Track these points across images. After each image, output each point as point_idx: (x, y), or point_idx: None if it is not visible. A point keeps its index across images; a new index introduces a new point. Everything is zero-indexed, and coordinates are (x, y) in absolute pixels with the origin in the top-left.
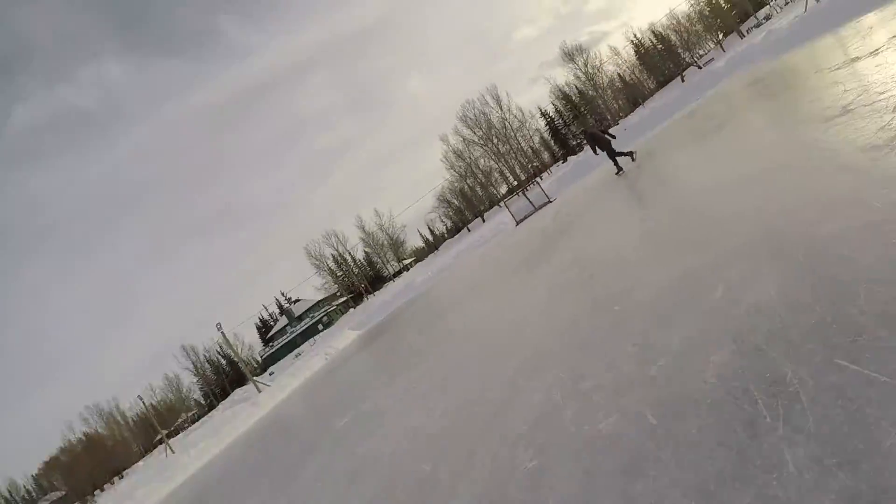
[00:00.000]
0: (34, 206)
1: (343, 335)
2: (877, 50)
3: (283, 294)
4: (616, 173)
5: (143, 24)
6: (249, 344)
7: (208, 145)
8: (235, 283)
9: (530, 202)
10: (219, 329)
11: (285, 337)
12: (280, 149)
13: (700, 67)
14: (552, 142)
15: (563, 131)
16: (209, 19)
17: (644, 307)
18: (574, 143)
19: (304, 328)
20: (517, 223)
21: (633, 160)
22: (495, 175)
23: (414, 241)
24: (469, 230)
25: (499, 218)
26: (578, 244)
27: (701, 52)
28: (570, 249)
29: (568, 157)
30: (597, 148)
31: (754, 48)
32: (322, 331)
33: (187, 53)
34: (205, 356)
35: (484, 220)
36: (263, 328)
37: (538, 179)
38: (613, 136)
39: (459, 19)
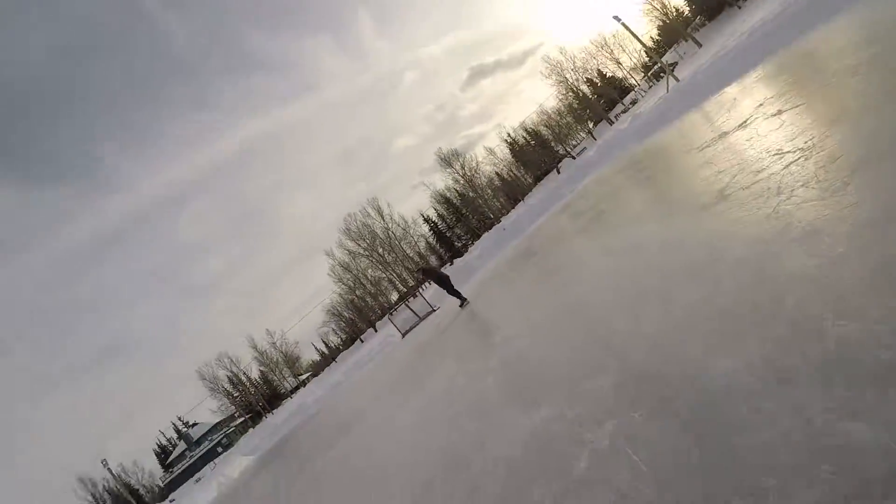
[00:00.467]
0: None
1: (237, 461)
2: (745, 122)
3: (179, 419)
4: (460, 305)
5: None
6: (150, 471)
7: (87, 280)
8: (131, 410)
9: (414, 313)
10: (104, 466)
11: (185, 462)
12: (164, 275)
13: (574, 158)
14: (438, 246)
15: (448, 234)
16: (88, 147)
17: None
18: (459, 244)
19: (203, 451)
20: (402, 335)
21: (461, 307)
22: (384, 284)
23: (310, 355)
24: (362, 341)
25: (387, 329)
26: (450, 371)
27: (573, 142)
28: (445, 378)
29: (454, 261)
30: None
31: (622, 134)
32: (221, 453)
33: (64, 182)
34: (104, 486)
35: (376, 330)
36: (162, 454)
37: (422, 289)
38: (447, 276)
39: (340, 134)
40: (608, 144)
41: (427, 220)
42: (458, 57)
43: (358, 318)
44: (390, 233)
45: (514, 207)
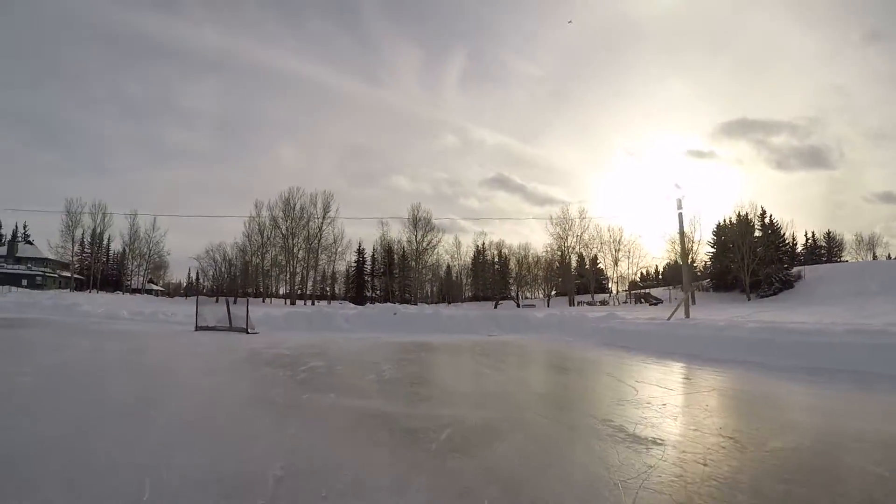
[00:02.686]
0: None
1: None
2: None
3: (24, 227)
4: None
5: None
6: None
7: None
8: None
9: (228, 314)
10: None
11: None
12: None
13: (518, 306)
14: (351, 279)
15: (367, 277)
16: None
17: None
18: (368, 293)
19: (11, 271)
20: (196, 326)
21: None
22: (274, 272)
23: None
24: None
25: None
26: None
27: (527, 293)
28: None
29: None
30: None
31: (595, 322)
32: (42, 288)
33: None
34: None
35: (217, 301)
36: None
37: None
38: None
39: (362, 129)
40: (566, 321)
41: (360, 251)
42: (496, 157)
43: (227, 277)
44: (320, 233)
45: (436, 303)
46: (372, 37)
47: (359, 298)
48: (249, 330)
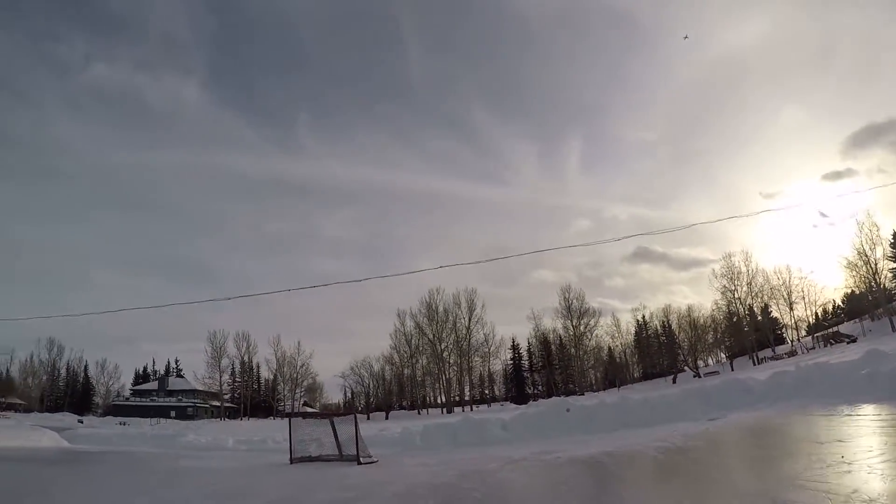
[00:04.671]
0: None
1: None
2: None
3: (176, 362)
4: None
5: None
6: (123, 382)
7: None
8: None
9: (337, 443)
10: None
11: (143, 399)
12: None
13: (699, 377)
14: (510, 378)
15: (525, 374)
16: None
17: None
18: (529, 390)
19: (162, 405)
20: (292, 459)
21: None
22: (427, 381)
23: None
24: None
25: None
26: None
27: (705, 361)
28: None
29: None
30: None
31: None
32: (194, 419)
33: None
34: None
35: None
36: (140, 378)
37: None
38: None
39: (495, 229)
40: (809, 376)
41: (514, 347)
42: (633, 229)
43: (379, 393)
44: (469, 333)
45: (606, 389)
46: (488, 142)
47: (520, 397)
48: (362, 458)
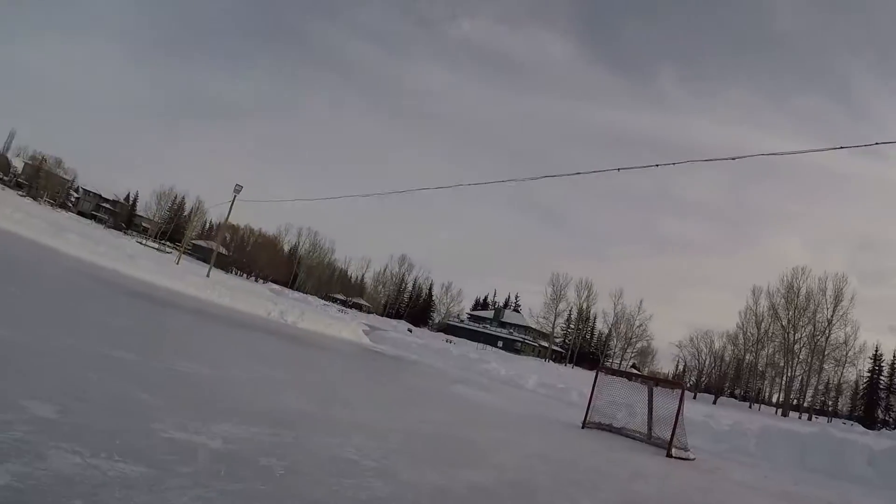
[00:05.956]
0: None
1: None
2: None
3: (515, 297)
4: None
5: None
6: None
7: None
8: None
9: (649, 418)
10: None
11: (474, 324)
12: None
13: None
14: (862, 394)
15: (883, 395)
16: None
17: None
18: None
19: (497, 332)
20: (584, 423)
21: None
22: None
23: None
24: None
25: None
26: None
27: None
28: None
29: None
30: None
31: None
32: (519, 353)
33: None
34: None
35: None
36: (480, 305)
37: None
38: None
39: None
40: None
41: (876, 357)
42: None
43: (716, 374)
44: (829, 328)
45: None
46: (866, 107)
47: (868, 420)
48: (675, 450)
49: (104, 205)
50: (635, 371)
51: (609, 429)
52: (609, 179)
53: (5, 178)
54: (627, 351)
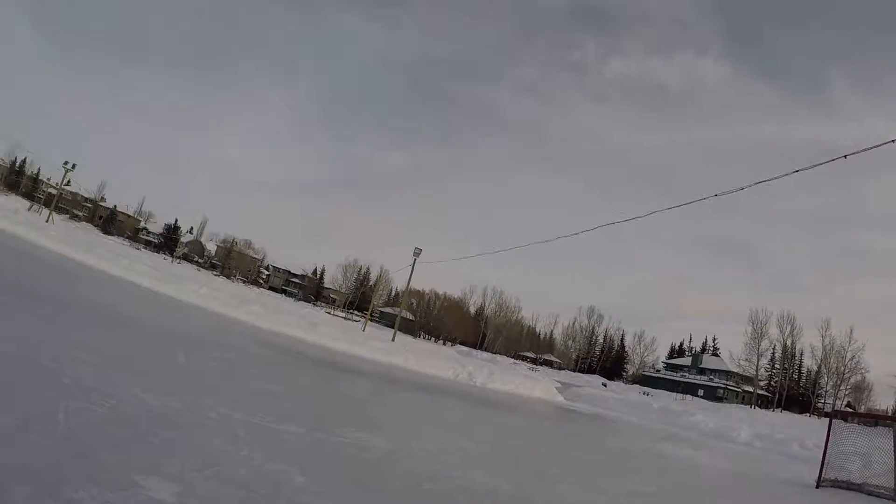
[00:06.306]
0: None
1: None
2: None
3: (713, 340)
4: None
5: None
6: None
7: None
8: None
9: None
10: None
11: (671, 373)
12: None
13: None
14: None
15: None
16: None
17: None
18: None
19: (696, 380)
20: (820, 482)
21: None
22: None
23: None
24: None
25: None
26: None
27: None
28: None
29: None
30: None
31: None
32: (722, 401)
33: None
34: None
35: None
36: (676, 353)
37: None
38: None
39: None
40: None
41: None
42: None
43: None
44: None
45: None
46: None
47: None
48: None
49: (293, 279)
50: (869, 413)
51: (847, 486)
52: (785, 201)
53: (200, 259)
54: (840, 388)
